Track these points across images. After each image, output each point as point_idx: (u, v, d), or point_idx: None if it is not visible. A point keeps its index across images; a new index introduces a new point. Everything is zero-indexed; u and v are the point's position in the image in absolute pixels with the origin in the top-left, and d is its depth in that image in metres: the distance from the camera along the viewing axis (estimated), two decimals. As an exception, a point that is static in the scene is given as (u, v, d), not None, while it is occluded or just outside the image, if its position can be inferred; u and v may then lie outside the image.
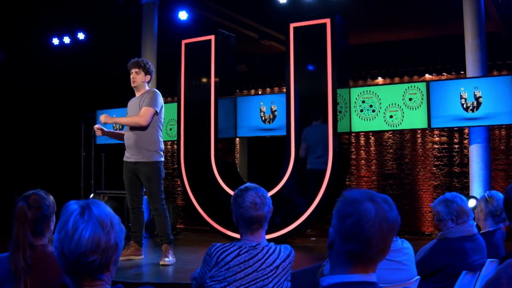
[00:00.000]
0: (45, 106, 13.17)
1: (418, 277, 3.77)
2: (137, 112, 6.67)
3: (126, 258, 6.59)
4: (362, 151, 13.00)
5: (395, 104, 8.80)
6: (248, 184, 3.40)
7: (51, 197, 3.30)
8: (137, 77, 6.78)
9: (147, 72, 6.82)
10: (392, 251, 3.59)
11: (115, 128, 10.48)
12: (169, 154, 14.06)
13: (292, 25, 8.82)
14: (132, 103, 6.88)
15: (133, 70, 6.79)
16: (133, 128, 6.66)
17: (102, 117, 6.76)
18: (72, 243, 1.88)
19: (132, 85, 6.82)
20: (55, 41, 12.30)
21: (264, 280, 3.17)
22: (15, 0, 10.46)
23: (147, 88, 6.86)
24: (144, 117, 6.56)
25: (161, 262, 6.43)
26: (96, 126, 6.79)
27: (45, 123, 13.17)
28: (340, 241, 1.99)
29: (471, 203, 7.59)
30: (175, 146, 11.15)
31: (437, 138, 12.18)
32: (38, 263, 2.95)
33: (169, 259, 6.49)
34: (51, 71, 12.69)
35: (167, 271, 6.21)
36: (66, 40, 12.24)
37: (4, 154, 12.59)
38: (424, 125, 8.71)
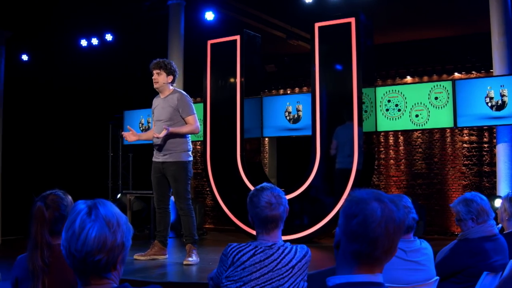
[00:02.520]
0: (73, 107, 13.31)
1: (437, 277, 3.74)
2: (168, 115, 6.64)
3: (150, 258, 6.65)
4: (391, 151, 12.91)
5: (420, 103, 8.74)
6: (264, 184, 3.40)
7: (69, 197, 3.33)
8: (159, 78, 6.69)
9: (169, 72, 6.72)
10: (410, 251, 3.59)
11: (141, 130, 10.57)
12: (198, 155, 14.09)
13: (317, 25, 8.82)
14: (159, 105, 6.78)
15: (155, 71, 6.70)
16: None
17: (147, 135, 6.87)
18: (79, 243, 1.90)
19: (154, 86, 6.75)
20: (83, 42, 12.41)
21: (279, 280, 3.16)
22: (44, 3, 10.57)
23: (171, 88, 6.79)
24: (196, 126, 6.69)
25: (185, 262, 6.45)
26: (126, 133, 6.89)
27: (73, 123, 13.32)
28: (346, 241, 1.99)
29: (498, 202, 7.49)
30: (204, 146, 11.19)
31: (466, 137, 12.03)
32: (55, 262, 2.98)
33: (193, 259, 6.50)
34: (79, 72, 12.82)
35: (190, 271, 6.24)
36: (94, 41, 12.33)
37: (32, 154, 12.76)
38: (450, 124, 8.64)
